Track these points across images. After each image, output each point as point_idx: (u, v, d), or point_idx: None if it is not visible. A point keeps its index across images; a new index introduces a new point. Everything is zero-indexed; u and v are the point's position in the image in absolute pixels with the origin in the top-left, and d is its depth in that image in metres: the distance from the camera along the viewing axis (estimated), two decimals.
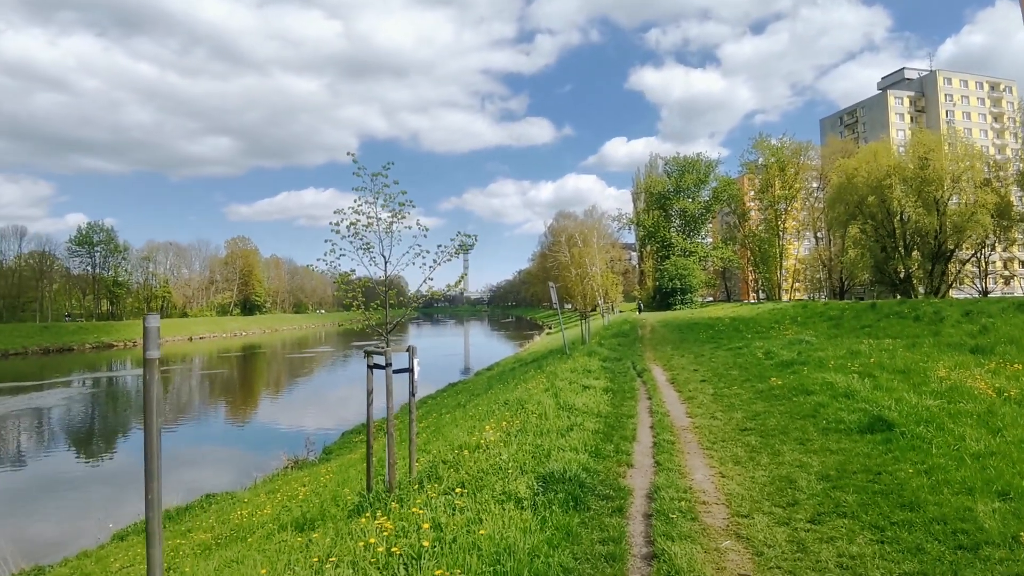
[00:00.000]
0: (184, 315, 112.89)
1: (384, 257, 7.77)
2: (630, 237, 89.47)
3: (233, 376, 51.55)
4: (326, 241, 8.05)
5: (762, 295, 78.84)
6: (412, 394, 7.67)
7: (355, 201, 7.70)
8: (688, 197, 74.88)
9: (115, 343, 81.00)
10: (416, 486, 7.07)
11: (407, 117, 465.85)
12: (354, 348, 72.94)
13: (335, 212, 7.74)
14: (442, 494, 6.33)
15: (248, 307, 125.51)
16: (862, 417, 8.43)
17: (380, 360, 7.46)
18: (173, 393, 42.14)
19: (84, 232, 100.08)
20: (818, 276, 70.64)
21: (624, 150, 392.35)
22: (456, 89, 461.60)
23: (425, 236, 7.83)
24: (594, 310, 63.61)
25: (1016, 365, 10.98)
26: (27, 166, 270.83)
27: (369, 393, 7.65)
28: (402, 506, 6.15)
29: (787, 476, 6.51)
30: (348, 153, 7.95)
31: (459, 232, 7.80)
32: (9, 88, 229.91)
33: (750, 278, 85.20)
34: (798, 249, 74.78)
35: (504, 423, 9.48)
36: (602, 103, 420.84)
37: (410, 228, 7.82)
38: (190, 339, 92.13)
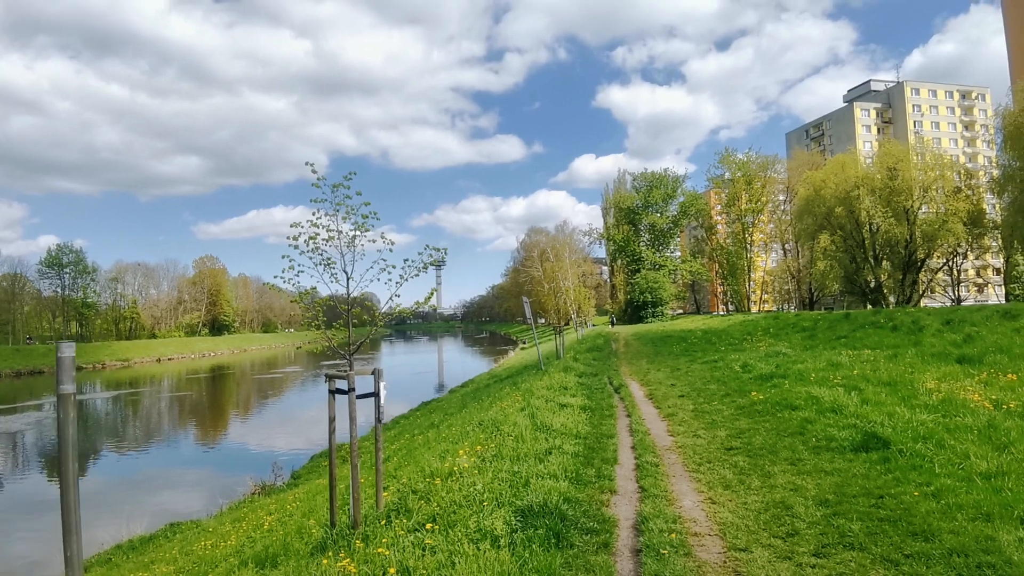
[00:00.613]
0: (153, 336, 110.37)
1: (346, 273, 7.21)
2: (601, 252, 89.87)
3: (201, 398, 50.22)
4: (283, 257, 7.48)
5: (731, 307, 79.24)
6: (378, 420, 7.04)
7: (314, 214, 7.13)
8: (656, 212, 75.24)
9: (84, 365, 78.90)
10: (383, 521, 6.45)
11: (377, 134, 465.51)
12: (324, 368, 71.66)
13: (291, 226, 7.15)
14: (411, 531, 5.74)
15: (217, 327, 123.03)
16: (854, 434, 8.00)
17: (343, 384, 6.88)
18: (142, 415, 41.13)
19: (53, 254, 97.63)
20: (787, 287, 71.20)
21: (593, 167, 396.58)
22: (426, 106, 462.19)
23: (391, 250, 7.27)
24: (567, 324, 63.34)
25: (1010, 375, 10.64)
26: (1, 189, 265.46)
27: (331, 420, 7.06)
28: (367, 545, 5.56)
29: (782, 501, 6.00)
30: (307, 163, 7.39)
31: (427, 246, 7.24)
32: None
33: (719, 290, 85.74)
34: (766, 261, 75.34)
35: (479, 447, 8.90)
36: (571, 120, 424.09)
37: (375, 242, 7.27)
38: (158, 360, 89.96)
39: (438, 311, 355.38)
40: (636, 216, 75.94)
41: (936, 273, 50.25)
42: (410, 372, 64.98)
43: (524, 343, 77.85)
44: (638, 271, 71.99)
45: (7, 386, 60.53)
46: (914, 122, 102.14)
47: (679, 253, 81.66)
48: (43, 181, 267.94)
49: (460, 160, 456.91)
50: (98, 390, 56.76)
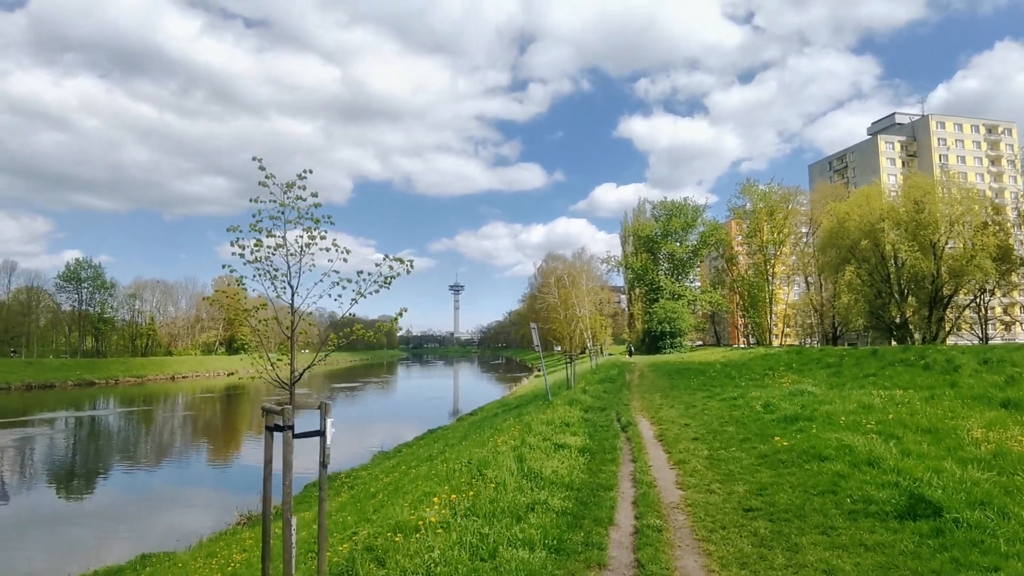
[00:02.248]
0: (169, 353, 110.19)
1: (291, 287, 6.04)
2: (619, 280, 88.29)
3: (213, 416, 49.37)
4: (224, 266, 6.34)
5: (752, 340, 77.22)
6: (323, 465, 5.77)
7: (254, 216, 5.99)
8: (676, 241, 73.77)
9: (97, 381, 78.73)
10: None
11: (401, 160, 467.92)
12: (335, 389, 70.67)
13: (228, 229, 6.02)
14: None
15: (233, 346, 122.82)
16: (897, 495, 6.64)
17: (281, 420, 5.65)
18: (152, 433, 40.59)
19: (72, 268, 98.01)
20: (809, 321, 69.11)
21: (613, 195, 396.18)
22: (450, 134, 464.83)
23: (345, 260, 6.10)
24: (583, 352, 61.85)
25: None
26: (26, 203, 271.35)
27: (267, 463, 5.81)
28: None
29: None
30: (253, 158, 6.27)
31: (386, 256, 6.05)
32: (13, 126, 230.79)
33: (739, 322, 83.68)
34: (788, 294, 73.34)
35: (454, 496, 7.60)
36: (592, 150, 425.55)
37: (326, 251, 6.11)
38: (172, 378, 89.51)
39: (455, 335, 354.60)
40: (655, 245, 74.53)
41: (964, 310, 48.18)
42: (424, 396, 63.88)
43: (539, 370, 76.44)
44: (656, 300, 70.37)
45: (17, 399, 60.15)
46: (940, 155, 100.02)
47: (699, 283, 79.97)
48: (68, 197, 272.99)
49: (482, 187, 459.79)
50: (111, 406, 56.24)
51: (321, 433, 5.67)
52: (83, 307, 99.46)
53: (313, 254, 6.10)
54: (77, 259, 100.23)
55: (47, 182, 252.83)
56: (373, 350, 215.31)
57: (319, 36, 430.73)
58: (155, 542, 16.93)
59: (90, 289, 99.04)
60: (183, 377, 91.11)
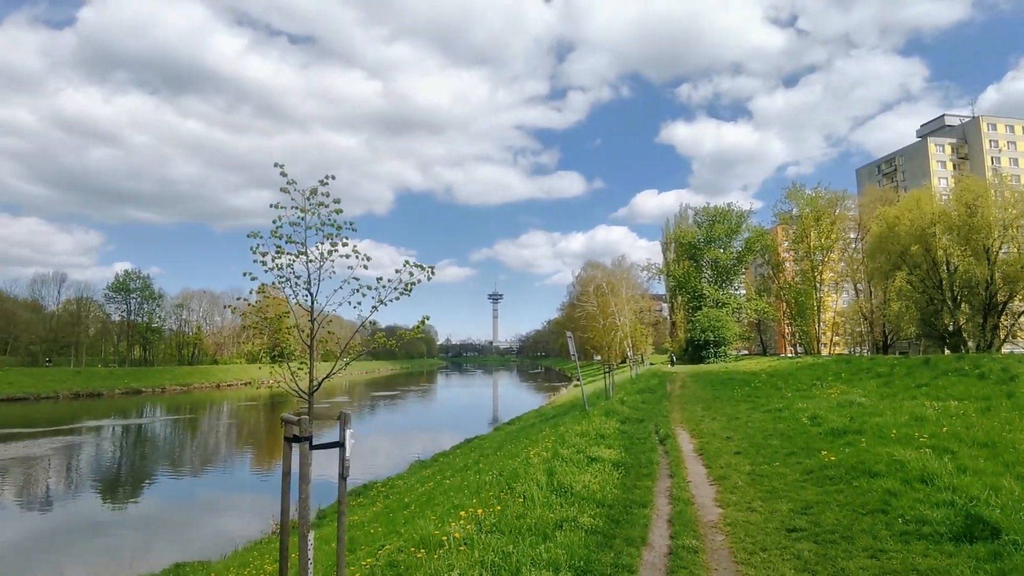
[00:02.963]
0: (215, 362, 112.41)
1: (311, 294, 5.93)
2: (660, 288, 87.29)
3: (256, 425, 50.26)
4: (244, 274, 6.27)
5: (799, 349, 75.39)
6: (342, 478, 5.60)
7: (275, 222, 5.90)
8: (719, 247, 72.48)
9: (143, 389, 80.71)
10: None
11: (442, 171, 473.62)
12: (375, 398, 71.12)
13: (249, 235, 5.92)
14: None
15: (278, 354, 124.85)
16: (952, 515, 6.19)
17: (299, 430, 5.48)
18: (198, 440, 41.53)
19: (121, 279, 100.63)
20: (858, 329, 67.19)
21: (655, 202, 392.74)
22: (490, 144, 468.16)
23: (365, 267, 5.96)
24: (623, 362, 61.14)
25: None
26: (78, 216, 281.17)
27: (285, 475, 5.68)
28: None
29: None
30: (275, 164, 6.18)
31: (407, 262, 5.88)
32: (66, 143, 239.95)
33: (786, 331, 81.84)
34: (836, 301, 71.39)
35: (480, 510, 7.36)
36: (633, 157, 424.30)
37: (347, 257, 5.99)
38: (218, 386, 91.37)
39: (494, 344, 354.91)
40: (697, 252, 73.43)
41: (1019, 318, 46.20)
42: (463, 405, 64.00)
43: (578, 380, 75.95)
44: (699, 308, 69.26)
45: (65, 407, 61.75)
46: (991, 157, 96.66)
47: (744, 291, 78.46)
48: (119, 211, 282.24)
49: (521, 196, 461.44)
50: (156, 414, 57.53)
51: (340, 444, 5.48)
52: (131, 317, 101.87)
53: (334, 261, 5.99)
54: (126, 270, 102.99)
55: (99, 196, 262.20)
56: (413, 359, 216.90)
57: (363, 51, 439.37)
58: (193, 551, 17.04)
59: (139, 299, 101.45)
60: (228, 385, 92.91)
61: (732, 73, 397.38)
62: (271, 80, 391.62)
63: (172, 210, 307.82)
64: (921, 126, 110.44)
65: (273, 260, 5.95)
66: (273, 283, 6.03)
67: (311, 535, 5.25)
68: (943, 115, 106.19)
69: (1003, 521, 5.77)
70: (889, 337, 59.12)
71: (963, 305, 43.56)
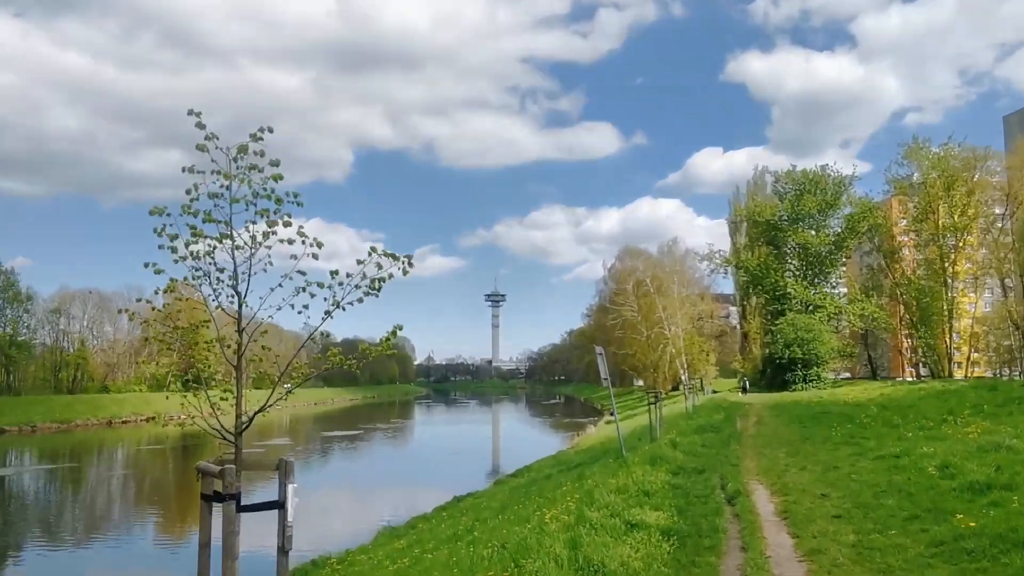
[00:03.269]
0: (105, 389, 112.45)
1: (238, 293, 5.97)
2: (727, 285, 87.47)
3: (163, 478, 50.71)
4: (146, 265, 6.29)
5: (923, 370, 75.60)
6: (283, 551, 5.63)
7: (188, 193, 5.92)
8: (810, 228, 72.77)
9: (5, 428, 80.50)
10: None
11: (420, 121, 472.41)
12: (328, 439, 71.45)
13: (151, 213, 5.95)
14: None
15: (192, 379, 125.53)
16: None
17: (220, 485, 5.53)
18: (84, 497, 42.15)
19: None
20: (1007, 343, 67.45)
21: (719, 164, 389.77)
22: (486, 84, 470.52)
23: (315, 256, 5.99)
24: (675, 389, 61.43)
25: None
26: None
27: (203, 548, 5.75)
28: None
29: None
30: (190, 112, 6.18)
31: (373, 249, 5.87)
32: None
33: (904, 345, 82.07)
34: (976, 303, 71.53)
35: None
36: (688, 101, 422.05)
37: (289, 243, 6.02)
38: (109, 423, 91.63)
39: (493, 364, 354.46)
40: (779, 234, 73.73)
41: None
42: (451, 449, 64.31)
43: (612, 414, 76.32)
44: (782, 313, 69.54)
45: None
46: None
47: (845, 289, 78.71)
48: None
49: (531, 156, 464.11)
50: (26, 462, 57.82)
51: (280, 504, 5.53)
52: None
53: (270, 248, 6.02)
54: None
55: None
56: (381, 385, 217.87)
57: None
58: None
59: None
60: (123, 422, 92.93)
61: None
62: None
63: (45, 177, 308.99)
64: None
65: (186, 246, 5.98)
66: (186, 278, 6.08)
67: None
68: None
69: None
70: None
71: None
